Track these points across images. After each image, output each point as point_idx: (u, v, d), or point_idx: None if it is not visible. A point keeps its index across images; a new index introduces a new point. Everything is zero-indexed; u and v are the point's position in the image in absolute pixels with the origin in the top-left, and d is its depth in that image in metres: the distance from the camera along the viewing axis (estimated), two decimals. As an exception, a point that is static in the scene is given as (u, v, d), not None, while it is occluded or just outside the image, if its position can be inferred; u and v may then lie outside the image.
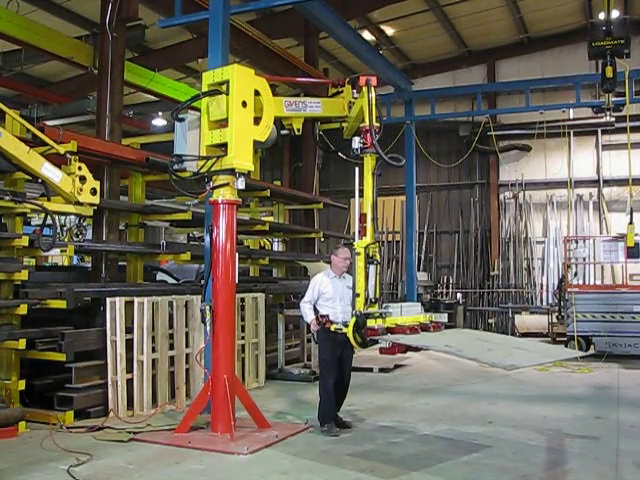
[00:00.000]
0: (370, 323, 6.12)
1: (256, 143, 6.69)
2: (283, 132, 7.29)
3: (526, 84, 14.41)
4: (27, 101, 15.46)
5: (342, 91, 7.27)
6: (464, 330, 7.03)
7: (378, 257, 6.58)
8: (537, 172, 19.54)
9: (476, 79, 19.32)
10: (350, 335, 6.17)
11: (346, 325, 6.44)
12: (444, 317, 7.08)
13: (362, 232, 6.61)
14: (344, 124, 7.24)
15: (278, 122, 7.06)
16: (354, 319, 6.15)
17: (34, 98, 15.27)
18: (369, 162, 6.71)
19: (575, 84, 13.50)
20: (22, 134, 7.22)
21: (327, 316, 6.67)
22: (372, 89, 6.76)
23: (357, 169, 6.77)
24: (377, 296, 6.40)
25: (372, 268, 6.46)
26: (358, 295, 6.40)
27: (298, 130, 7.28)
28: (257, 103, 6.62)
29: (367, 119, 6.69)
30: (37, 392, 7.24)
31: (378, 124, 6.76)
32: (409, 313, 6.51)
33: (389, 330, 6.14)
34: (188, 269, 13.22)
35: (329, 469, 5.52)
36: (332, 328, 6.56)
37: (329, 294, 6.77)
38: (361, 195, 6.73)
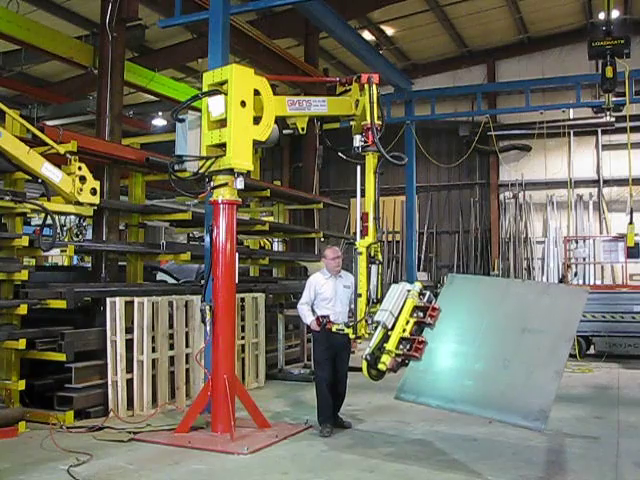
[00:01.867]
0: (381, 367, 5.81)
1: (257, 143, 6.66)
2: (286, 132, 7.21)
3: (526, 84, 14.41)
4: (27, 101, 15.47)
5: (350, 89, 7.15)
6: (465, 295, 6.35)
7: (380, 257, 6.55)
8: (537, 172, 19.55)
9: (476, 79, 19.34)
10: (365, 374, 5.93)
11: (348, 326, 6.41)
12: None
13: (364, 231, 6.58)
14: (352, 122, 7.18)
15: (281, 121, 7.01)
16: (365, 363, 5.85)
17: (34, 98, 15.28)
18: (371, 160, 6.68)
19: (575, 84, 13.50)
20: (22, 134, 7.22)
21: (327, 317, 6.59)
22: (374, 87, 6.74)
23: (359, 168, 6.75)
24: (379, 296, 6.37)
25: (374, 268, 6.43)
26: (360, 295, 6.37)
27: (302, 129, 7.17)
28: (258, 103, 6.61)
29: (368, 117, 6.67)
30: (37, 392, 7.24)
31: (380, 122, 6.74)
32: (400, 305, 5.95)
33: (398, 356, 5.94)
34: (188, 269, 13.22)
35: (329, 469, 5.52)
36: (334, 329, 6.51)
37: (326, 294, 6.72)
38: (363, 194, 6.72)
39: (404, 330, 5.85)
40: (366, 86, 6.77)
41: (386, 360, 5.73)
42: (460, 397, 5.52)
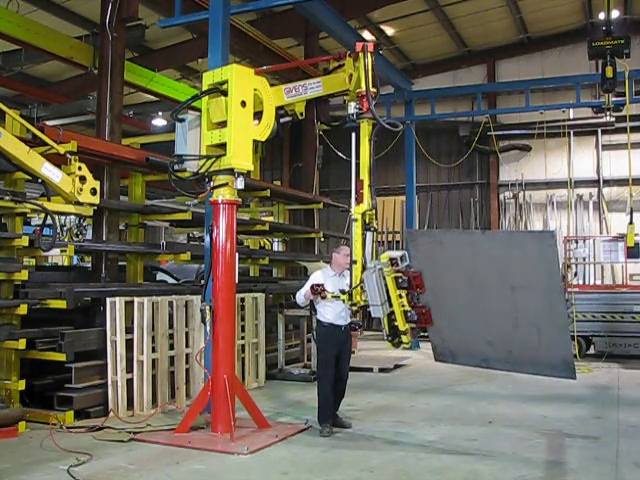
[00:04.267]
0: (406, 346, 6.24)
1: (256, 140, 6.69)
2: (284, 120, 7.20)
3: (526, 84, 14.42)
4: (27, 101, 15.48)
5: (344, 64, 7.09)
6: (437, 254, 6.25)
7: (375, 224, 6.55)
8: (537, 172, 19.54)
9: (476, 79, 19.32)
10: (391, 347, 6.28)
11: (343, 292, 6.41)
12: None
13: (359, 198, 6.57)
14: (346, 97, 7.16)
15: (277, 109, 6.98)
16: (389, 343, 6.22)
17: (34, 98, 15.29)
18: (365, 128, 6.66)
19: (575, 84, 13.51)
20: (22, 134, 7.22)
21: (322, 285, 6.60)
22: (368, 54, 6.72)
23: (353, 134, 6.72)
24: None
25: (369, 235, 6.43)
26: (355, 262, 6.36)
27: (301, 114, 7.17)
28: (256, 97, 6.61)
29: (363, 84, 6.65)
30: (37, 392, 7.24)
31: (375, 89, 6.72)
32: (383, 289, 5.99)
33: (412, 329, 6.13)
34: (188, 269, 13.22)
35: (329, 469, 5.52)
36: (329, 297, 6.54)
37: (329, 290, 6.68)
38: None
39: (403, 305, 6.04)
40: (361, 54, 6.75)
41: (407, 340, 6.13)
42: (491, 357, 5.89)
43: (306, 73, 13.64)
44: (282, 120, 7.10)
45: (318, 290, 6.58)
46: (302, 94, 7.01)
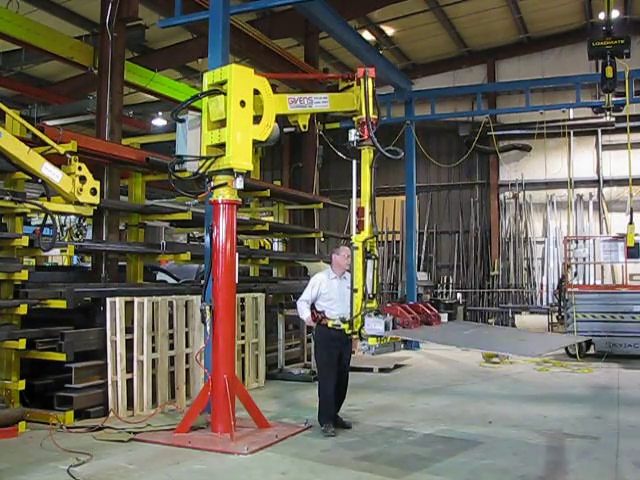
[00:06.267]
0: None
1: (258, 142, 6.66)
2: (287, 130, 7.18)
3: (526, 84, 14.42)
4: (27, 101, 15.48)
5: (352, 85, 7.07)
6: (463, 322, 6.93)
7: (376, 252, 6.55)
8: (537, 172, 19.56)
9: (476, 79, 19.34)
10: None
11: (344, 321, 6.41)
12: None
13: (360, 226, 6.57)
14: (354, 118, 7.15)
15: (282, 119, 6.97)
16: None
17: (34, 98, 15.28)
18: (366, 155, 6.66)
19: (575, 84, 13.52)
20: (22, 134, 7.21)
21: (323, 312, 6.63)
22: (369, 80, 6.72)
23: (354, 162, 6.73)
24: (375, 292, 6.38)
25: (370, 263, 6.43)
26: (356, 290, 6.36)
27: (304, 127, 7.11)
28: (258, 102, 6.60)
29: (363, 111, 6.65)
30: (37, 392, 7.24)
31: (375, 116, 6.72)
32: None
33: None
34: (188, 269, 13.22)
35: (329, 469, 5.52)
36: (329, 324, 6.54)
37: (329, 295, 6.71)
38: (358, 195, 6.69)
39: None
40: (362, 80, 6.75)
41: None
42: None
43: (306, 73, 13.69)
44: (285, 130, 7.07)
45: (319, 317, 6.62)
46: (307, 106, 6.94)
